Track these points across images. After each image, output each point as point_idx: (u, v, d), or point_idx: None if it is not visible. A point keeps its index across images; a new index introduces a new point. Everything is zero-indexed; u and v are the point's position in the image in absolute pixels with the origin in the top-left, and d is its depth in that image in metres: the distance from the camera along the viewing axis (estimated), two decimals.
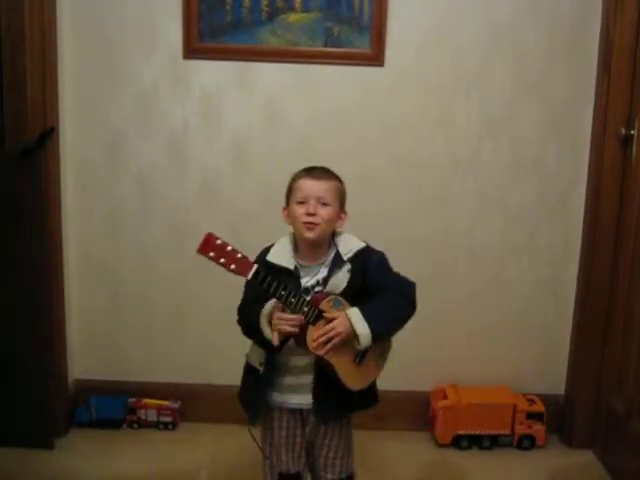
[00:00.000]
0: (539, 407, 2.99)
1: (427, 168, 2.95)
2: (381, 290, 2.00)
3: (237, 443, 2.94)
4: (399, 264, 2.97)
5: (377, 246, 2.93)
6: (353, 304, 1.95)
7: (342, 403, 2.04)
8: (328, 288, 1.98)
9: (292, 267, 2.00)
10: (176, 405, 3.07)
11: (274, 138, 2.93)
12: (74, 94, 2.91)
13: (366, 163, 2.95)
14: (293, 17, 2.82)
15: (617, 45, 2.74)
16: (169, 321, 3.08)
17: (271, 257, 2.02)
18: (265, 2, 2.81)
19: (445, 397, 3.00)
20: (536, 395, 3.05)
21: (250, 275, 1.85)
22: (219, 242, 1.83)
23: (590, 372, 2.97)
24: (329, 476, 2.13)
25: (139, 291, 3.07)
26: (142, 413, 3.06)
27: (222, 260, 1.83)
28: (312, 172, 2.02)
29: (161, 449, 2.92)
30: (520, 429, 2.98)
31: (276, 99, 2.91)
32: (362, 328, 1.91)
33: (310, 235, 1.97)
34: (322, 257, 2.03)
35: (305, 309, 1.90)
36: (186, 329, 3.07)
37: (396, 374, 3.07)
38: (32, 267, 2.76)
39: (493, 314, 3.07)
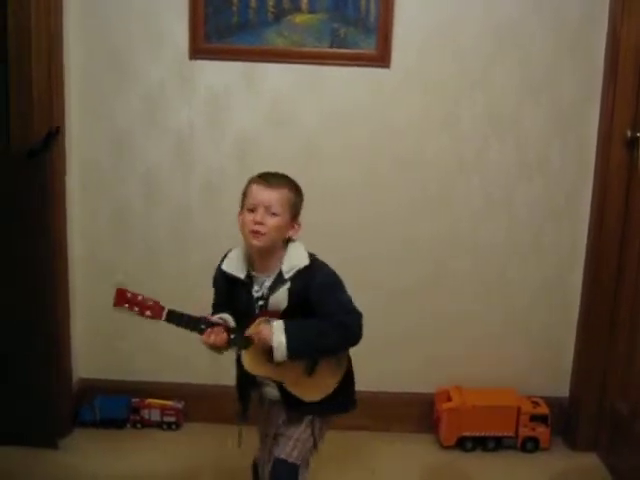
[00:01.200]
0: (543, 409, 2.98)
1: (432, 168, 2.95)
2: (323, 312, 1.98)
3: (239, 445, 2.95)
4: (403, 264, 3.01)
5: (381, 247, 2.97)
6: None
7: (309, 406, 2.05)
8: (270, 306, 1.99)
9: (242, 277, 2.03)
10: (180, 405, 3.07)
11: (280, 139, 2.93)
12: (80, 94, 2.91)
13: (372, 163, 2.95)
14: (299, 18, 2.82)
15: (624, 47, 2.74)
16: None
17: (225, 265, 2.07)
18: (271, 3, 2.81)
19: (449, 399, 2.99)
20: (540, 397, 3.04)
21: (163, 317, 1.97)
22: (129, 295, 1.96)
23: (595, 374, 2.97)
24: (274, 452, 2.10)
25: (143, 291, 3.05)
26: (146, 413, 3.06)
27: (136, 309, 1.96)
28: (265, 178, 2.01)
29: (165, 449, 2.93)
30: (524, 431, 2.97)
31: (282, 100, 2.91)
32: (278, 341, 1.92)
33: (256, 243, 1.97)
34: (273, 268, 2.02)
35: (231, 337, 1.97)
36: None
37: (400, 376, 3.11)
38: (37, 267, 2.76)
39: (497, 315, 3.07)
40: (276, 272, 2.01)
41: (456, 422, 2.95)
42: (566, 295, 3.04)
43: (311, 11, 2.82)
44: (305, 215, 2.98)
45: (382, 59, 2.85)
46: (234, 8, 2.82)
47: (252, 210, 1.97)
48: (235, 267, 2.04)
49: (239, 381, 2.14)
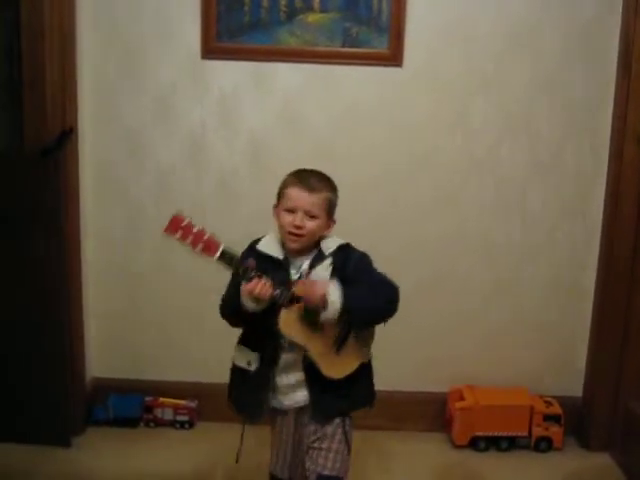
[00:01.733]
0: (556, 409, 2.98)
1: (445, 167, 2.95)
2: (362, 282, 1.99)
3: (254, 442, 2.94)
4: (416, 263, 3.00)
5: (394, 245, 2.98)
6: None
7: (340, 400, 2.04)
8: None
9: (281, 257, 2.03)
10: (193, 404, 3.08)
11: (292, 138, 2.94)
12: (93, 94, 2.93)
13: (384, 162, 2.95)
14: (311, 17, 2.82)
15: (637, 45, 2.73)
16: (186, 320, 3.09)
17: (261, 246, 2.06)
18: (283, 2, 2.81)
19: (462, 398, 2.99)
20: (553, 397, 3.03)
21: (217, 255, 1.88)
22: (185, 223, 1.86)
23: (608, 374, 2.96)
24: (313, 467, 2.07)
25: (157, 290, 3.08)
26: (159, 412, 3.08)
27: (188, 240, 1.86)
28: (303, 181, 2.00)
29: (178, 448, 2.94)
30: (537, 431, 2.97)
31: (294, 99, 2.91)
32: (333, 298, 1.89)
33: (293, 246, 2.00)
34: (307, 253, 2.04)
35: (277, 291, 1.91)
36: (203, 328, 3.08)
37: (413, 375, 3.11)
38: (51, 267, 2.78)
39: (510, 314, 3.06)
40: (312, 255, 2.03)
41: (469, 421, 2.95)
42: (579, 294, 3.04)
43: (323, 10, 2.82)
44: None
45: (394, 58, 2.85)
46: (246, 8, 2.82)
47: (291, 211, 1.99)
48: (272, 249, 2.04)
49: (253, 383, 2.09)
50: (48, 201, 2.73)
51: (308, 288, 1.91)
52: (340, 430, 2.07)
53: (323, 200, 2.00)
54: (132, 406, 3.07)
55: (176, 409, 3.07)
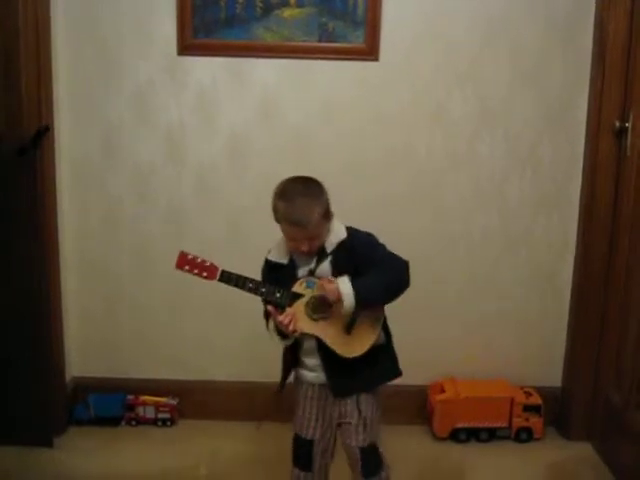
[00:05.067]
0: (536, 400, 3.00)
1: (422, 161, 2.96)
2: (371, 266, 2.10)
3: (235, 439, 2.95)
4: None
5: None
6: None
7: (357, 379, 2.17)
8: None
9: (286, 262, 2.17)
10: (174, 402, 3.08)
11: (270, 133, 2.93)
12: (69, 92, 2.91)
13: (362, 157, 2.95)
14: (287, 12, 2.82)
15: (611, 38, 2.74)
16: (167, 318, 3.09)
17: (270, 256, 2.20)
18: None
19: (443, 391, 3.00)
20: (533, 388, 3.05)
21: (217, 277, 2.12)
22: (190, 257, 2.14)
23: (587, 364, 2.98)
24: (352, 443, 2.23)
25: (136, 288, 3.07)
26: (140, 410, 3.07)
27: (195, 271, 2.13)
28: (293, 217, 2.04)
29: (160, 446, 2.93)
30: (518, 422, 2.99)
31: (271, 94, 2.91)
32: (346, 291, 2.02)
33: (307, 255, 2.11)
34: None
35: (277, 294, 2.09)
36: (184, 325, 3.08)
37: None
38: (29, 266, 2.76)
39: (490, 307, 3.08)
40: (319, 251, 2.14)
41: (450, 413, 2.96)
42: (557, 286, 3.06)
43: (299, 5, 2.82)
44: None
45: (370, 52, 2.85)
46: (222, 3, 2.81)
47: (292, 239, 2.09)
48: (279, 255, 2.18)
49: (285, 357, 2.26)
50: (25, 200, 2.71)
51: (323, 287, 2.06)
52: (364, 404, 2.20)
53: (315, 221, 2.05)
54: (113, 405, 3.06)
55: (157, 407, 3.06)
